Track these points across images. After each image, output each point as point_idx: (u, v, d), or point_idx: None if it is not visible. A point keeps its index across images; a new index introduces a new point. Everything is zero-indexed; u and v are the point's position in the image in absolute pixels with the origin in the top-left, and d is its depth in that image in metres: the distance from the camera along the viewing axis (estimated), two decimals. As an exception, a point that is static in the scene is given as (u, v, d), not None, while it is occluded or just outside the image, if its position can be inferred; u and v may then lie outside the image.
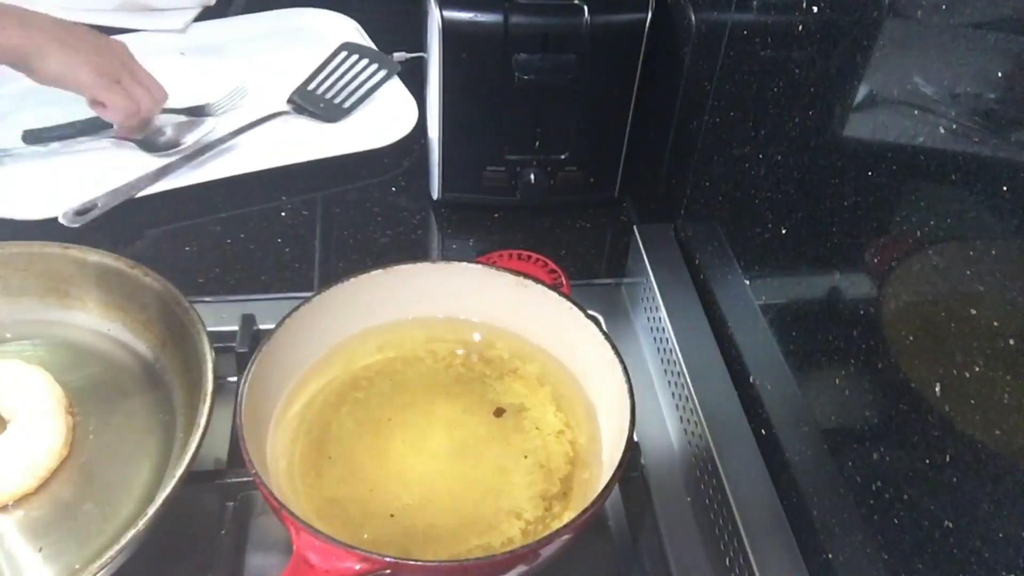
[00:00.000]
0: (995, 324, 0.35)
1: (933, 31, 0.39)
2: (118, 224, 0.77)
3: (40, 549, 0.50)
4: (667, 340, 0.64)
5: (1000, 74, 0.35)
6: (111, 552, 0.45)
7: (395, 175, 0.82)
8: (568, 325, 0.58)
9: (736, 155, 0.60)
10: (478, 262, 0.61)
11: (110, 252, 0.61)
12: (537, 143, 0.77)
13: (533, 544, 0.45)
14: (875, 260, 0.44)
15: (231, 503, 0.55)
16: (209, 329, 0.56)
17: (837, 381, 0.47)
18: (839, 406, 0.48)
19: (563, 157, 0.78)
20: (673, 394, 0.63)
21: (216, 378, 0.53)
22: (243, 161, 0.82)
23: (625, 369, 0.53)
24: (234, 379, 0.61)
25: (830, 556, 0.48)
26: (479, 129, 0.77)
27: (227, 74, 0.95)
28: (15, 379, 0.56)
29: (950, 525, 0.38)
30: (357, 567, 0.43)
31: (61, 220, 0.74)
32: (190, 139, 0.84)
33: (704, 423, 0.57)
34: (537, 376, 0.60)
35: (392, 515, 0.51)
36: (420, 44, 0.81)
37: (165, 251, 0.76)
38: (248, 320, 0.64)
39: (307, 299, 0.56)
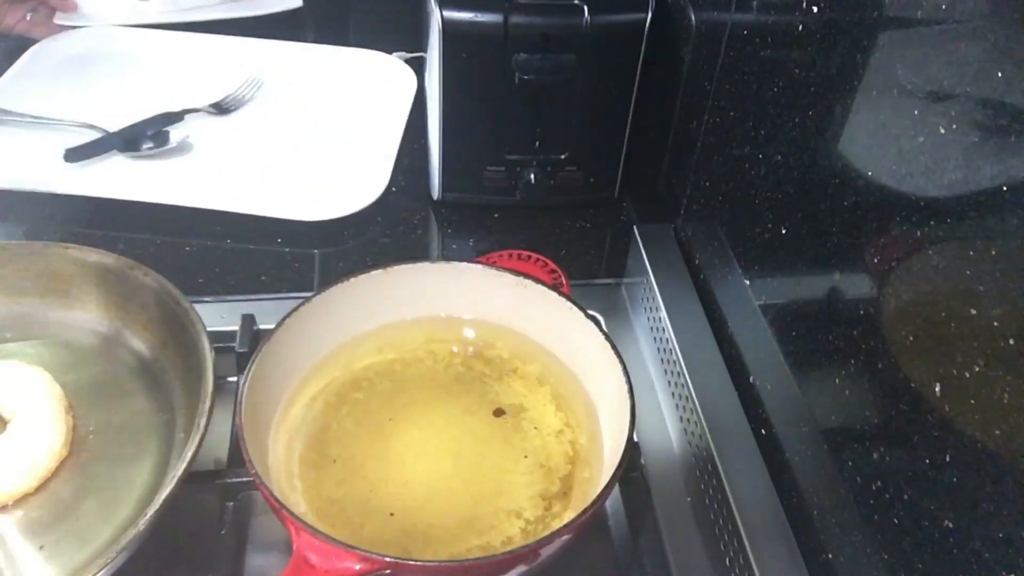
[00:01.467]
0: (995, 324, 0.35)
1: (933, 31, 0.39)
2: (118, 223, 0.77)
3: (40, 548, 0.50)
4: (667, 340, 0.64)
5: (1000, 74, 0.35)
6: (111, 552, 0.45)
7: (395, 175, 0.82)
8: (568, 325, 0.58)
9: (736, 155, 0.60)
10: (478, 262, 0.61)
11: (110, 252, 0.61)
12: (537, 143, 0.77)
13: (533, 544, 0.45)
14: (875, 260, 0.44)
15: (231, 503, 0.55)
16: (209, 329, 0.56)
17: (837, 381, 0.47)
18: (839, 406, 0.48)
19: (563, 157, 0.78)
20: (673, 394, 0.63)
21: (216, 378, 0.53)
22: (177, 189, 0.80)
23: (625, 369, 0.53)
24: (234, 379, 0.62)
25: (830, 556, 0.48)
26: (479, 129, 0.77)
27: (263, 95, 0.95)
28: (15, 379, 0.56)
29: (950, 525, 0.38)
30: (357, 567, 0.43)
31: None
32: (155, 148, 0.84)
33: (704, 423, 0.57)
34: (537, 376, 0.60)
35: (392, 515, 0.51)
36: (420, 44, 0.81)
37: (165, 251, 0.76)
38: (248, 320, 0.64)
39: (307, 299, 0.56)
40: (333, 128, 0.89)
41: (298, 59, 0.99)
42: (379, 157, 0.84)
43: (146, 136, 0.84)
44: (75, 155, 0.80)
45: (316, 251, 0.78)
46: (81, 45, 0.98)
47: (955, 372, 0.37)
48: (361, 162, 0.84)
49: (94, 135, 0.83)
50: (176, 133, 0.85)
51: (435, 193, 0.81)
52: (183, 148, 0.84)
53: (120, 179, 0.80)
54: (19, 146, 0.83)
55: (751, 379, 0.58)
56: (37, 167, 0.80)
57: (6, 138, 0.84)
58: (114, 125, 0.84)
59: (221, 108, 0.90)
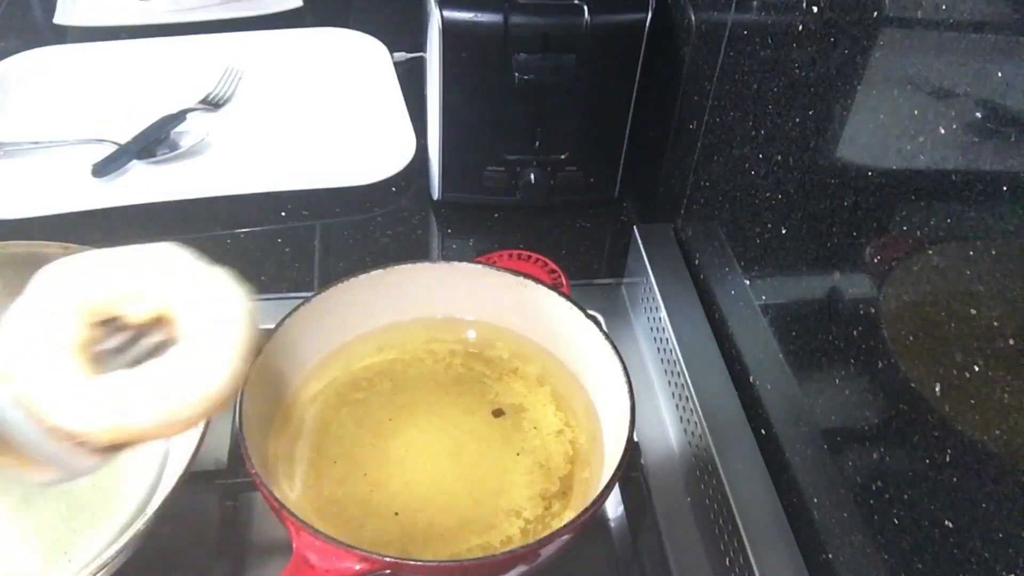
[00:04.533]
0: (995, 324, 0.35)
1: (933, 31, 0.39)
2: (118, 223, 0.77)
3: (40, 548, 0.50)
4: (667, 340, 0.64)
5: (1000, 74, 0.35)
6: (111, 552, 0.45)
7: (395, 175, 0.82)
8: (568, 325, 0.58)
9: (736, 155, 0.60)
10: (478, 262, 0.61)
11: (110, 252, 0.60)
12: (537, 143, 0.77)
13: (533, 544, 0.45)
14: (875, 260, 0.44)
15: (231, 503, 0.55)
16: (209, 329, 0.56)
17: (837, 381, 0.47)
18: (839, 406, 0.48)
19: (563, 157, 0.78)
20: (673, 394, 0.63)
21: (216, 378, 0.53)
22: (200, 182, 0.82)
23: (625, 369, 0.53)
24: (234, 379, 0.61)
25: (830, 556, 0.48)
26: (479, 129, 0.77)
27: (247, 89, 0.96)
28: (213, 297, 0.44)
29: (950, 525, 0.38)
30: (357, 567, 0.43)
31: None
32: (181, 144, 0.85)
33: (704, 423, 0.57)
34: (537, 376, 0.60)
35: (392, 515, 0.51)
36: (420, 44, 0.81)
37: (165, 251, 0.76)
38: (248, 320, 0.64)
39: (307, 299, 0.56)
40: (325, 103, 0.93)
41: (262, 46, 1.01)
42: (393, 123, 0.89)
43: (159, 141, 0.85)
44: (101, 170, 0.81)
45: (316, 251, 0.78)
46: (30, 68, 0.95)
47: (955, 372, 0.37)
48: (378, 129, 0.89)
49: (106, 148, 0.83)
50: (189, 135, 0.86)
51: (435, 193, 0.81)
52: (200, 148, 0.85)
53: (146, 185, 0.81)
54: (33, 172, 0.82)
55: (751, 379, 0.58)
56: (66, 188, 0.79)
57: (15, 168, 0.83)
58: (117, 135, 0.84)
59: (211, 103, 0.91)
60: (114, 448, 0.40)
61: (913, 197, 0.40)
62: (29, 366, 0.39)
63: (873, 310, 0.44)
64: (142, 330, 0.42)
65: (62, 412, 0.39)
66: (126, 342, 0.42)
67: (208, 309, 0.42)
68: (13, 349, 0.40)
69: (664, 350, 0.65)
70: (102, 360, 0.41)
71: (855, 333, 0.45)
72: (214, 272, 0.45)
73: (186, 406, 0.40)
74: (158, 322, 0.42)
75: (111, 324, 0.42)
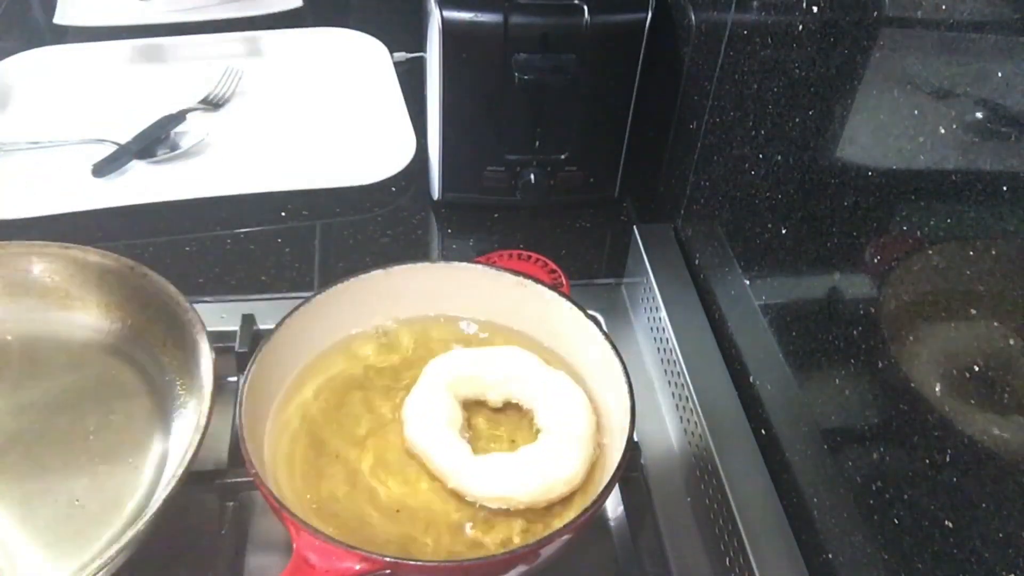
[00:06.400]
0: (995, 324, 0.35)
1: (933, 31, 0.39)
2: (118, 223, 0.77)
3: (41, 548, 0.50)
4: (667, 340, 0.64)
5: (1000, 74, 0.35)
6: (111, 552, 0.45)
7: (395, 175, 0.82)
8: (568, 325, 0.58)
9: (736, 155, 0.60)
10: (478, 262, 0.61)
11: (110, 252, 0.61)
12: (537, 143, 0.77)
13: (533, 544, 0.45)
14: (875, 260, 0.44)
15: (231, 503, 0.55)
16: (209, 329, 0.56)
17: (837, 381, 0.47)
18: (839, 406, 0.48)
19: (563, 157, 0.78)
20: (673, 394, 0.63)
21: (216, 378, 0.53)
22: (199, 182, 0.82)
23: (625, 369, 0.53)
24: (234, 379, 0.62)
25: (830, 556, 0.48)
26: (479, 129, 0.77)
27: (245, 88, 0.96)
28: (559, 394, 0.55)
29: (950, 525, 0.38)
30: (357, 567, 0.43)
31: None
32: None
33: (704, 423, 0.57)
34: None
35: (392, 514, 0.51)
36: (420, 44, 0.82)
37: (165, 251, 0.76)
38: (248, 320, 0.64)
39: (307, 299, 0.56)
40: (325, 103, 0.93)
41: (262, 46, 1.01)
42: (393, 123, 0.89)
43: (159, 141, 0.85)
44: (102, 170, 0.81)
45: (316, 251, 0.78)
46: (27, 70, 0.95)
47: (955, 372, 0.37)
48: (378, 129, 0.89)
49: (106, 148, 0.83)
50: (189, 135, 0.86)
51: (435, 193, 0.81)
52: (200, 148, 0.85)
53: (146, 185, 0.81)
54: (33, 172, 0.82)
55: (751, 379, 0.58)
56: (66, 188, 0.79)
57: (14, 168, 0.83)
58: (117, 135, 0.84)
59: (211, 103, 0.91)
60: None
61: (913, 197, 0.40)
62: (432, 441, 0.52)
63: (873, 310, 0.44)
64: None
65: (459, 480, 0.51)
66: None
67: (559, 406, 0.54)
68: (419, 427, 0.53)
69: (664, 350, 0.65)
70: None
71: (855, 333, 0.45)
72: (556, 373, 0.56)
73: (555, 483, 0.51)
74: (508, 406, 0.57)
75: (474, 404, 0.57)
